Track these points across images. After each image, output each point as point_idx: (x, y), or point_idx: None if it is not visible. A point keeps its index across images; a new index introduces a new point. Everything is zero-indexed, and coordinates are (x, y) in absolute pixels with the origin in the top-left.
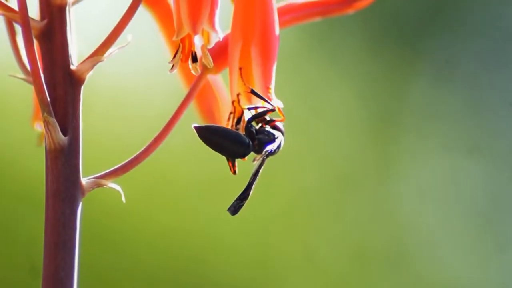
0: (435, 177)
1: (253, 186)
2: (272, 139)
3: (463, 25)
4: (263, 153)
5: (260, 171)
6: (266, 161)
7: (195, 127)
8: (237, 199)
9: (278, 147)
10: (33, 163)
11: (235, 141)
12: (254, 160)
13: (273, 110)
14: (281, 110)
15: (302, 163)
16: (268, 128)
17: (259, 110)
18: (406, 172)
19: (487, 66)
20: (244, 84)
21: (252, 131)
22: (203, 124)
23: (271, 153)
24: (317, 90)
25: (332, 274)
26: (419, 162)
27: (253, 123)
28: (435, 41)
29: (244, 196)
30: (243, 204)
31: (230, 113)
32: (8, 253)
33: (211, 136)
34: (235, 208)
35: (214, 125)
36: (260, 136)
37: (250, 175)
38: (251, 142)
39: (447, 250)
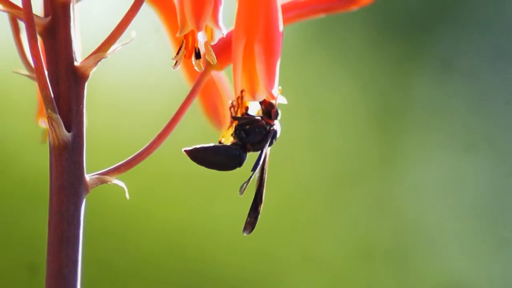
0: (439, 172)
1: (263, 194)
2: (265, 134)
3: (466, 20)
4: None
5: (265, 176)
6: (269, 154)
7: (185, 151)
8: (249, 215)
9: (274, 137)
10: (37, 160)
11: (227, 155)
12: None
13: (259, 120)
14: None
15: (305, 158)
16: (259, 123)
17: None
18: (410, 168)
19: (491, 62)
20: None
21: (242, 136)
22: (191, 147)
23: (270, 144)
24: (321, 86)
25: (335, 269)
26: (423, 158)
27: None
28: (439, 37)
29: (255, 207)
30: (257, 217)
31: (231, 107)
32: (10, 249)
33: (203, 155)
34: (251, 226)
35: (202, 145)
36: (250, 138)
37: (256, 183)
38: (241, 151)
39: (451, 246)
